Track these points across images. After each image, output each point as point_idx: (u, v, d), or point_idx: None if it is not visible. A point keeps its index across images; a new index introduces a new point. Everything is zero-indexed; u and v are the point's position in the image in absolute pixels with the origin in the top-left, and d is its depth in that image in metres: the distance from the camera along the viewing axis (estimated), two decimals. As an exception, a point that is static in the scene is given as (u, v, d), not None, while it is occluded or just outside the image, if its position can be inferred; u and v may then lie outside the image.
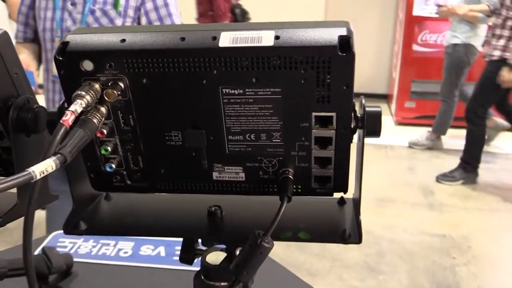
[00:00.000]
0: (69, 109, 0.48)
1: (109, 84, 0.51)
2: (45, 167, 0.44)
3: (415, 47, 4.58)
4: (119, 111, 0.54)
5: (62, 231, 0.97)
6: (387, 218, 2.97)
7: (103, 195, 0.65)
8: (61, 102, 0.56)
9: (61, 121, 0.47)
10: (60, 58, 0.51)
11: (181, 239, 0.62)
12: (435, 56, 4.45)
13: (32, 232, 0.50)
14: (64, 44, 0.52)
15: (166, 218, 0.61)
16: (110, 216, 0.62)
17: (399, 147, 4.16)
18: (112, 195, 0.65)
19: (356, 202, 0.57)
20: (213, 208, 0.60)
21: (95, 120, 0.50)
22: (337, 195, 0.58)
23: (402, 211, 3.09)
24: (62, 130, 0.47)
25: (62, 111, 0.55)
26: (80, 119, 0.50)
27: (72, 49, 0.51)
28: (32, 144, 0.59)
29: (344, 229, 0.55)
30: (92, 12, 1.42)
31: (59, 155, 0.45)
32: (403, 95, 4.69)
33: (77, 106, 0.48)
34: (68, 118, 0.47)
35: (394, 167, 3.79)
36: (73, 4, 1.43)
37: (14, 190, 0.58)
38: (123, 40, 0.51)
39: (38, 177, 0.43)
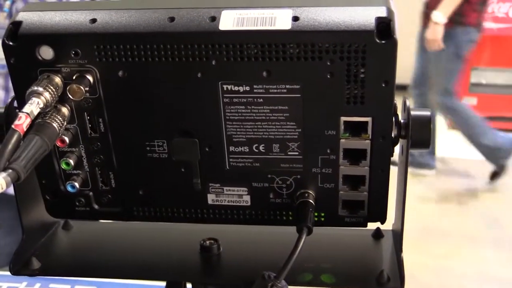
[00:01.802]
0: (23, 110, 0.51)
1: (74, 77, 0.55)
2: (-7, 186, 0.47)
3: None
4: (85, 113, 0.57)
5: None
6: (436, 257, 3.00)
7: (60, 223, 0.68)
8: (10, 100, 0.59)
9: (13, 126, 0.50)
10: (10, 43, 0.54)
11: (163, 284, 0.65)
12: (506, 35, 4.48)
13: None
14: (15, 24, 0.55)
15: (144, 255, 0.64)
16: (70, 251, 0.65)
17: (453, 159, 4.18)
18: (72, 223, 0.68)
19: (397, 235, 0.60)
20: (207, 242, 0.63)
21: (55, 125, 0.54)
22: (371, 225, 0.61)
23: (458, 248, 3.11)
24: (14, 138, 0.50)
25: (10, 112, 0.59)
26: (36, 123, 0.53)
27: (26, 32, 0.54)
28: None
29: (381, 271, 0.58)
30: None
31: (10, 170, 0.48)
32: (459, 88, 4.72)
33: (34, 107, 0.52)
34: (22, 122, 0.50)
35: (447, 187, 3.81)
36: None
37: None
38: (94, 20, 0.54)
39: (-16, 199, 0.46)
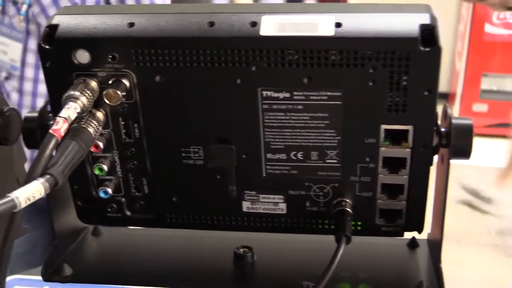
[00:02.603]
0: (61, 115, 0.50)
1: (110, 82, 0.54)
2: (31, 192, 0.46)
3: (489, 28, 4.61)
4: (120, 118, 0.56)
5: (19, 275, 0.99)
6: (446, 264, 2.98)
7: (89, 229, 0.67)
8: (44, 104, 0.59)
9: (50, 131, 0.50)
10: (47, 47, 0.54)
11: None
12: (517, 41, 4.47)
13: (5, 279, 0.53)
14: (52, 28, 0.54)
15: (176, 262, 0.63)
16: (100, 258, 0.64)
17: (462, 166, 4.17)
18: (102, 229, 0.67)
19: (435, 244, 0.59)
20: (241, 250, 0.62)
21: (91, 130, 0.53)
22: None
23: (468, 256, 3.10)
24: (52, 143, 0.49)
25: (43, 116, 0.58)
26: (72, 128, 0.52)
27: (63, 35, 0.54)
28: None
29: (420, 281, 0.57)
30: None
31: (48, 176, 0.48)
32: (470, 95, 4.71)
33: (71, 111, 0.51)
34: (60, 127, 0.50)
35: (457, 195, 3.80)
36: None
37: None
38: (131, 24, 0.53)
39: (23, 205, 0.46)
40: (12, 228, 0.49)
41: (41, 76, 1.54)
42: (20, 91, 1.53)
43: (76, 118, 0.52)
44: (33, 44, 1.50)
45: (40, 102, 1.53)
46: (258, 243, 0.63)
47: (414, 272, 0.60)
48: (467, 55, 4.73)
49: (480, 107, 4.67)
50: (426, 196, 0.56)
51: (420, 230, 0.58)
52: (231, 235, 0.62)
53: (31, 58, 1.50)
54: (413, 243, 0.63)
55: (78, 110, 0.52)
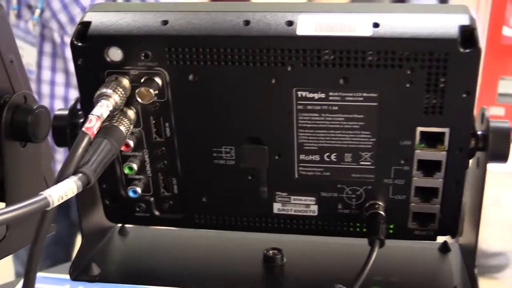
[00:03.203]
0: (94, 113, 0.50)
1: (142, 80, 0.54)
2: (64, 190, 0.46)
3: (507, 31, 4.59)
4: (151, 117, 0.56)
5: (41, 273, 0.99)
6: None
7: (115, 228, 0.67)
8: (74, 102, 0.58)
9: (83, 129, 0.49)
10: (79, 44, 0.54)
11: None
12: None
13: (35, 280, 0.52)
14: (84, 25, 0.54)
15: (204, 263, 0.63)
16: (128, 257, 0.64)
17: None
18: (128, 228, 0.67)
19: (468, 249, 0.58)
20: (271, 252, 0.62)
21: (122, 128, 0.53)
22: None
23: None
24: (85, 141, 0.49)
25: (74, 114, 0.58)
26: (103, 126, 0.52)
27: (95, 32, 0.53)
28: (26, 157, 0.62)
29: (454, 287, 0.56)
30: None
31: (80, 174, 0.47)
32: (487, 98, 4.69)
33: (104, 109, 0.51)
34: (93, 125, 0.49)
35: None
36: None
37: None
38: (165, 22, 0.53)
39: (56, 203, 0.45)
40: (43, 226, 0.48)
41: (58, 79, 1.55)
42: (38, 94, 1.53)
43: (108, 116, 0.52)
44: (48, 47, 1.50)
45: (58, 104, 1.54)
46: (289, 245, 0.62)
47: (447, 277, 0.59)
48: (484, 58, 4.71)
49: (497, 111, 4.64)
50: (461, 200, 0.56)
51: (454, 235, 0.57)
52: (260, 237, 0.61)
53: (47, 61, 1.51)
54: (444, 248, 0.63)
55: (111, 108, 0.51)
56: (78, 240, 1.79)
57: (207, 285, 0.60)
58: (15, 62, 0.60)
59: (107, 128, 0.52)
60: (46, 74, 1.55)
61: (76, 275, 0.59)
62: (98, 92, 0.52)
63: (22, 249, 1.67)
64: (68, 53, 1.54)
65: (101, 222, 0.63)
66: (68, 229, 1.78)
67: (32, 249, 0.50)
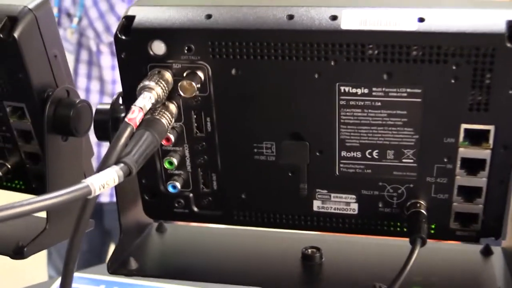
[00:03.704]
0: (136, 104, 0.50)
1: (185, 74, 0.54)
2: (106, 179, 0.46)
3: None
4: (193, 111, 0.56)
5: (76, 273, 0.99)
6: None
7: (154, 225, 0.67)
8: (116, 96, 0.59)
9: (126, 120, 0.49)
10: (123, 37, 0.54)
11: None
12: None
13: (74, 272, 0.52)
14: (128, 19, 0.54)
15: (242, 260, 0.63)
16: (165, 253, 0.64)
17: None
18: (166, 225, 0.67)
19: (510, 252, 0.57)
20: (309, 251, 0.61)
21: (164, 121, 0.53)
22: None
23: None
24: (127, 132, 0.49)
25: (115, 108, 0.58)
26: (145, 119, 0.52)
27: (140, 26, 0.54)
28: (67, 151, 0.62)
29: (498, 288, 0.55)
30: None
31: (122, 164, 0.47)
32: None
33: (146, 101, 0.51)
34: (135, 116, 0.50)
35: None
36: None
37: (42, 213, 0.61)
38: (209, 16, 0.53)
39: (97, 191, 0.45)
40: (84, 215, 0.48)
41: (93, 86, 1.58)
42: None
43: (150, 109, 0.52)
44: (84, 55, 1.53)
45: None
46: (328, 244, 0.62)
47: (489, 279, 0.58)
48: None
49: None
50: (505, 200, 0.55)
51: (497, 236, 0.56)
52: (299, 235, 0.61)
53: (83, 68, 1.53)
54: (487, 251, 0.61)
55: (153, 100, 0.51)
56: (111, 248, 1.80)
57: (244, 282, 0.60)
58: (59, 57, 0.61)
59: (149, 120, 0.52)
60: (81, 82, 1.57)
61: (114, 269, 0.60)
62: (141, 85, 0.52)
63: (56, 253, 1.70)
64: (103, 61, 1.56)
65: (140, 219, 0.64)
66: (101, 237, 1.79)
67: (72, 239, 0.50)
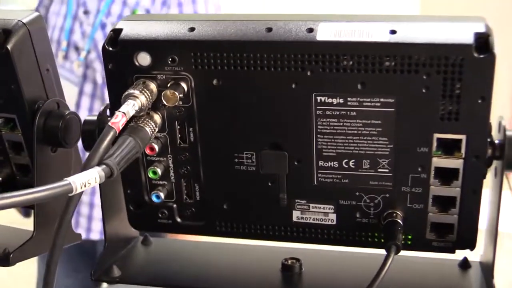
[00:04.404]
0: (120, 110, 0.53)
1: (169, 85, 0.56)
2: (87, 178, 0.48)
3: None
4: (176, 122, 0.58)
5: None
6: None
7: (139, 239, 0.68)
8: (103, 108, 0.61)
9: (109, 124, 0.52)
10: (110, 49, 0.57)
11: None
12: None
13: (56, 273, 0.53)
14: (116, 31, 0.57)
15: (224, 270, 0.64)
16: (149, 263, 0.65)
17: None
18: (152, 239, 0.68)
19: (488, 266, 0.58)
20: (289, 261, 0.62)
21: (147, 129, 0.55)
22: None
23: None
24: (110, 135, 0.51)
25: (103, 119, 0.61)
26: (129, 126, 0.54)
27: (126, 38, 0.56)
28: (56, 162, 0.64)
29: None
30: (103, 26, 1.52)
31: (104, 166, 0.50)
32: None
33: (130, 108, 0.53)
34: (119, 120, 0.52)
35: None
36: (86, 12, 1.54)
37: (30, 222, 0.63)
38: (192, 29, 0.56)
39: (79, 189, 0.47)
40: (67, 212, 0.50)
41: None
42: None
43: (134, 117, 0.55)
44: (88, 88, 1.55)
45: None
46: (307, 255, 0.63)
47: None
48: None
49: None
50: (479, 210, 0.56)
51: (471, 248, 0.57)
52: (279, 248, 0.62)
53: (86, 101, 1.56)
54: (465, 264, 0.62)
55: (137, 108, 0.54)
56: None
57: None
58: (51, 71, 0.63)
59: (133, 128, 0.54)
60: (83, 114, 1.59)
61: (97, 276, 0.61)
62: (126, 93, 0.54)
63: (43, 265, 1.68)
64: (107, 94, 1.58)
65: (125, 231, 0.65)
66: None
67: (55, 234, 0.51)
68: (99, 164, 0.50)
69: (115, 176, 0.50)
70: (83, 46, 1.53)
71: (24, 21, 0.60)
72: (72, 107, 1.54)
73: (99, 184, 0.63)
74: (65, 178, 0.47)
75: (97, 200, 1.54)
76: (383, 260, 0.54)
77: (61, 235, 0.52)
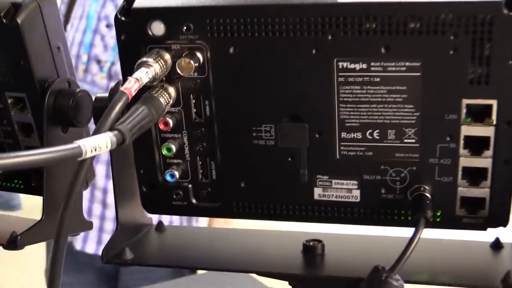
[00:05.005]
0: (133, 75, 0.50)
1: (183, 55, 0.54)
2: (98, 142, 0.46)
3: None
4: (191, 95, 0.56)
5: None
6: None
7: (152, 226, 0.65)
8: (115, 85, 0.59)
9: (121, 89, 0.49)
10: (123, 19, 0.55)
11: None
12: None
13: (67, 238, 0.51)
14: (129, 1, 0.55)
15: (243, 251, 0.61)
16: (163, 247, 0.62)
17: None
18: (166, 226, 0.65)
19: None
20: (311, 243, 0.59)
21: (162, 100, 0.53)
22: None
23: None
24: (122, 100, 0.49)
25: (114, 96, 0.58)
26: (143, 96, 0.52)
27: (139, 6, 0.54)
28: (67, 143, 0.62)
29: (508, 272, 0.52)
30: None
31: (116, 131, 0.47)
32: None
33: (143, 74, 0.51)
34: (131, 86, 0.50)
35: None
36: (109, 26, 1.54)
37: (39, 207, 0.61)
38: None
39: (89, 154, 0.45)
40: (78, 178, 0.47)
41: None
42: (107, 176, 1.56)
43: (148, 88, 0.52)
44: None
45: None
46: (329, 238, 0.60)
47: (500, 266, 0.55)
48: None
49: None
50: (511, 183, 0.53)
51: (505, 224, 0.54)
52: (299, 233, 0.59)
53: None
54: (497, 245, 0.59)
55: (150, 76, 0.52)
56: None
57: (245, 270, 0.58)
58: (62, 50, 0.62)
59: (146, 97, 0.52)
60: None
61: (108, 257, 0.58)
62: (139, 61, 0.52)
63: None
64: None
65: (139, 218, 0.63)
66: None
67: (66, 201, 0.49)
68: (110, 130, 0.48)
69: (127, 143, 0.48)
70: (106, 58, 1.53)
71: (35, -4, 0.58)
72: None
73: (112, 168, 0.61)
74: (75, 141, 0.45)
75: (108, 212, 1.52)
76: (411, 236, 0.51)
77: (70, 206, 0.49)
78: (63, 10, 1.62)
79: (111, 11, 1.54)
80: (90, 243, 1.54)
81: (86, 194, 1.50)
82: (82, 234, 1.52)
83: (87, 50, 1.56)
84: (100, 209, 1.53)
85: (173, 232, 0.65)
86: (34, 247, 0.61)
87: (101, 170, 1.52)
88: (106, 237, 1.51)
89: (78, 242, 1.54)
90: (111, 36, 1.54)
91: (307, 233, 0.61)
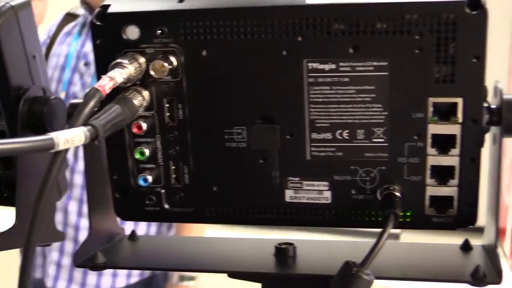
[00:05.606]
0: (107, 74, 0.51)
1: (157, 57, 0.55)
2: (71, 135, 0.46)
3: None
4: (165, 99, 0.57)
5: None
6: None
7: (125, 236, 0.65)
8: (89, 90, 0.60)
9: (95, 86, 0.50)
10: (98, 23, 0.56)
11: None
12: None
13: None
14: (104, 7, 0.56)
15: (216, 253, 0.61)
16: (135, 253, 0.62)
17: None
18: (138, 235, 0.65)
19: (490, 247, 0.56)
20: (283, 246, 0.60)
21: (135, 102, 0.54)
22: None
23: None
24: (96, 97, 0.50)
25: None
26: (117, 97, 0.53)
27: (115, 11, 0.56)
28: (41, 154, 0.62)
29: (477, 266, 0.53)
30: None
31: (89, 126, 0.48)
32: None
33: (117, 74, 0.52)
34: (105, 83, 0.50)
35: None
36: (87, 64, 1.55)
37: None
38: (181, 0, 0.55)
39: (61, 146, 0.45)
40: (51, 171, 0.47)
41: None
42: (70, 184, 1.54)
43: (122, 89, 0.53)
44: None
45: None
46: (300, 242, 0.60)
47: (469, 263, 0.56)
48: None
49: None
50: (479, 181, 0.54)
51: (472, 223, 0.55)
52: (271, 240, 0.60)
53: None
54: (466, 246, 0.60)
55: (125, 76, 0.53)
56: None
57: (217, 270, 0.58)
58: (38, 59, 0.62)
59: (120, 98, 0.53)
60: (81, 165, 1.57)
61: (79, 261, 0.58)
62: (113, 62, 0.53)
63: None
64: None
65: (109, 226, 0.63)
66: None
67: (38, 198, 0.49)
68: (84, 125, 0.48)
69: (100, 138, 0.48)
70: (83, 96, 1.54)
71: (12, 3, 0.59)
72: (70, 160, 1.53)
73: (85, 175, 0.61)
74: (48, 133, 0.45)
75: None
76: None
77: (43, 202, 0.49)
78: (43, 49, 1.63)
79: (89, 51, 1.56)
80: (61, 281, 1.51)
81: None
82: (53, 272, 1.49)
83: (65, 87, 1.57)
84: (72, 247, 1.51)
85: (146, 240, 0.65)
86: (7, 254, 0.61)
87: (73, 207, 1.51)
88: (78, 276, 1.49)
89: (49, 280, 1.52)
90: (89, 75, 1.55)
91: (279, 239, 0.61)
